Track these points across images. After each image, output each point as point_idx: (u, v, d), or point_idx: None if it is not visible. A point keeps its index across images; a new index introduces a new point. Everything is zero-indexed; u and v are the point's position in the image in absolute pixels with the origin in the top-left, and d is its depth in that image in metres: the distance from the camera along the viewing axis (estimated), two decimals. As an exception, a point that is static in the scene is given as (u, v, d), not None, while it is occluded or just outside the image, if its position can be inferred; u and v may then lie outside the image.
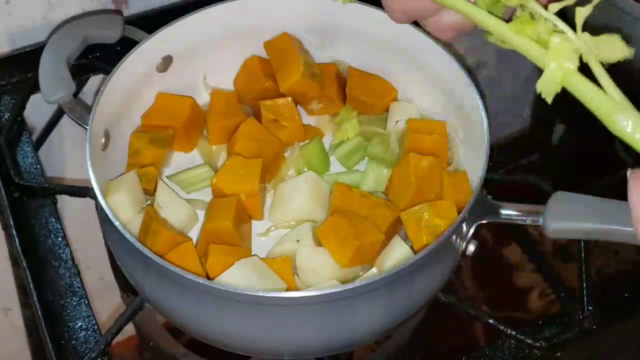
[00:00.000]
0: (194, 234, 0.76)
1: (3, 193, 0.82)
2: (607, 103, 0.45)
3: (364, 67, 0.86)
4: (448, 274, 0.70)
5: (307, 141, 0.81)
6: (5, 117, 0.90)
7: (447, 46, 0.77)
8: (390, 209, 0.72)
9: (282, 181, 0.78)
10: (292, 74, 0.80)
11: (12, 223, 0.79)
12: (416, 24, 0.63)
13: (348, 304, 0.63)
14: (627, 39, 0.45)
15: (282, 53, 0.82)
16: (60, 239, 0.79)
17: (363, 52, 0.85)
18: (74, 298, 0.74)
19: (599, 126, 0.45)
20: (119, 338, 0.71)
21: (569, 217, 0.65)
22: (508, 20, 0.49)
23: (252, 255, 0.70)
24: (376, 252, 0.70)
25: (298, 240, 0.71)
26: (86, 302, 0.74)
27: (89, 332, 0.72)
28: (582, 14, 0.46)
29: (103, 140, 0.76)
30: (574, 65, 0.46)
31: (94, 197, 0.68)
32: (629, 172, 0.45)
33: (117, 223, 0.64)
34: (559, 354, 0.71)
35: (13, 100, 0.92)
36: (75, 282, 0.75)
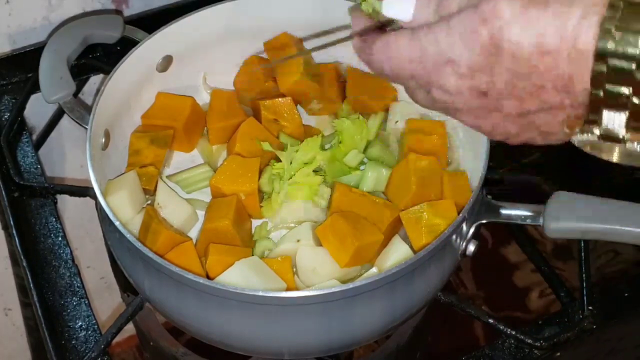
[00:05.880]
0: (194, 234, 0.76)
1: (3, 193, 0.82)
2: None
3: (364, 67, 0.85)
4: (448, 274, 0.70)
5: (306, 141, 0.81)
6: (5, 117, 0.90)
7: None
8: (390, 209, 0.72)
9: (282, 181, 0.78)
10: (292, 74, 0.80)
11: (12, 223, 0.79)
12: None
13: (348, 304, 0.63)
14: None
15: (282, 53, 0.82)
16: (60, 239, 0.79)
17: (363, 52, 0.85)
18: (74, 298, 0.74)
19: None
20: (119, 338, 0.71)
21: (569, 217, 0.65)
22: None
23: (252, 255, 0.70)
24: (376, 252, 0.70)
25: (298, 240, 0.71)
26: (86, 302, 0.74)
27: (89, 332, 0.72)
28: None
29: (103, 140, 0.76)
30: None
31: (94, 197, 0.68)
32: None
33: (117, 223, 0.64)
34: (559, 354, 0.71)
35: (13, 100, 0.92)
36: (75, 282, 0.75)
